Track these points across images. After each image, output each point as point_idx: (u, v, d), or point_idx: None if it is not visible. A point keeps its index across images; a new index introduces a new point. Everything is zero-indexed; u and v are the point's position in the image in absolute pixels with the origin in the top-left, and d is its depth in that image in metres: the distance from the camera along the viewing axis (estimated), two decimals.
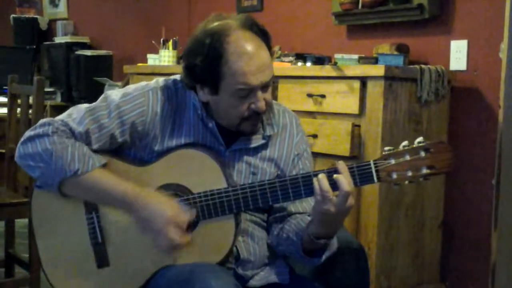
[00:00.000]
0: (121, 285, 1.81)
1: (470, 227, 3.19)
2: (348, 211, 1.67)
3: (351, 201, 1.65)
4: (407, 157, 1.65)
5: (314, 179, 1.67)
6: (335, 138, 3.00)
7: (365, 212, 2.94)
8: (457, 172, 3.18)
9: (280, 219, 1.89)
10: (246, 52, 1.71)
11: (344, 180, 1.64)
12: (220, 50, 1.71)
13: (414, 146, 1.66)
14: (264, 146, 1.88)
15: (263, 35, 1.78)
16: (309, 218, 1.78)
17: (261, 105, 1.76)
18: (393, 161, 1.66)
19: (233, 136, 1.85)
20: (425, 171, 1.66)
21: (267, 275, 1.88)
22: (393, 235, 2.99)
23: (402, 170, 1.66)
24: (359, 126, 2.95)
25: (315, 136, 3.08)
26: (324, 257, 1.78)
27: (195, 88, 1.82)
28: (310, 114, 3.16)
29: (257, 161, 1.87)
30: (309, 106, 3.14)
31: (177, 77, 1.89)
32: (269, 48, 1.79)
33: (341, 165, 1.67)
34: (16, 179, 3.27)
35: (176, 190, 1.79)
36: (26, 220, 3.08)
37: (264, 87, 1.76)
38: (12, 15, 6.42)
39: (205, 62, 1.73)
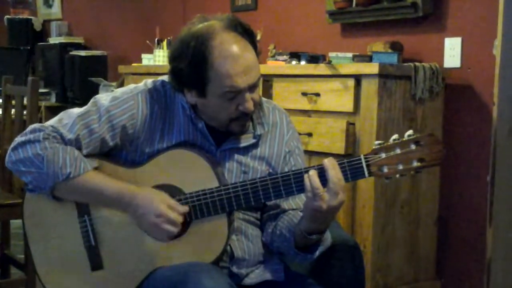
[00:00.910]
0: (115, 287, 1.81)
1: (466, 223, 3.19)
2: (339, 207, 1.67)
3: (342, 197, 1.65)
4: (398, 151, 1.65)
5: (305, 176, 1.66)
6: (330, 137, 3.00)
7: (360, 210, 2.94)
8: (452, 169, 3.19)
9: (273, 216, 1.89)
10: (231, 55, 1.71)
11: (334, 176, 1.64)
12: (205, 54, 1.71)
13: (404, 139, 1.65)
14: (254, 145, 1.88)
15: (248, 35, 1.77)
16: (301, 214, 1.78)
17: (249, 106, 1.76)
18: (383, 155, 1.65)
19: (223, 135, 1.85)
20: (416, 164, 1.65)
21: (261, 272, 1.88)
22: (389, 233, 2.99)
23: (392, 164, 1.65)
24: (353, 124, 2.95)
25: (310, 135, 3.08)
26: (317, 252, 1.78)
27: (183, 90, 1.82)
28: (305, 112, 3.16)
29: (248, 160, 1.87)
30: (304, 104, 3.15)
31: (165, 77, 1.89)
32: (255, 47, 1.78)
33: (330, 161, 1.66)
34: (11, 180, 3.26)
35: (168, 191, 1.78)
36: (21, 221, 3.08)
37: (251, 88, 1.76)
38: (6, 16, 6.41)
39: (191, 67, 1.73)
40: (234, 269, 1.84)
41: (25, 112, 3.09)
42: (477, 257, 3.06)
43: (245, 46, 1.74)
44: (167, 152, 1.81)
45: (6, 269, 3.36)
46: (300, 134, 3.08)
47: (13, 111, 3.29)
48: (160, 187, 1.79)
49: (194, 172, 1.78)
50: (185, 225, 1.78)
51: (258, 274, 1.87)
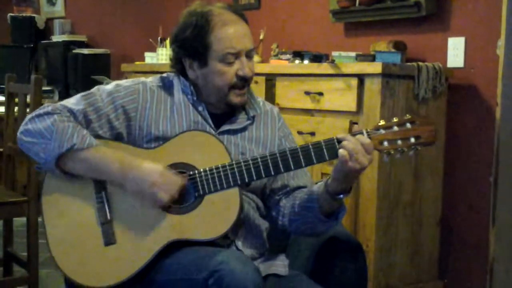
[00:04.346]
0: (127, 262, 1.81)
1: (468, 224, 3.19)
2: (368, 165, 1.78)
3: (371, 156, 1.77)
4: (396, 128, 1.80)
5: (345, 142, 1.75)
6: (332, 136, 2.99)
7: (363, 210, 2.94)
8: (455, 169, 3.19)
9: (284, 195, 1.97)
10: (229, 22, 1.90)
11: (366, 138, 1.76)
12: (205, 23, 1.89)
13: (401, 119, 1.82)
14: (250, 128, 2.00)
15: (243, 17, 1.96)
16: (319, 184, 1.89)
17: (247, 70, 1.91)
18: (383, 131, 1.80)
19: (220, 119, 1.96)
20: (413, 140, 1.80)
21: (267, 266, 1.91)
22: (392, 233, 2.99)
23: (392, 139, 1.80)
24: (356, 123, 2.95)
25: (312, 134, 3.08)
26: (340, 216, 1.88)
27: (184, 72, 1.96)
28: (308, 111, 3.16)
29: (244, 143, 1.97)
30: (307, 103, 3.15)
31: (164, 75, 2.04)
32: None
33: (340, 134, 1.81)
34: (15, 177, 3.27)
35: (183, 168, 1.86)
36: (24, 219, 3.08)
37: (248, 55, 1.92)
38: (10, 14, 6.41)
39: (194, 35, 1.90)
40: (240, 245, 1.89)
41: (28, 110, 3.09)
42: (480, 257, 3.05)
43: (241, 20, 1.94)
44: (180, 134, 1.89)
45: (9, 267, 3.36)
46: (302, 133, 3.10)
47: (16, 109, 3.29)
48: (176, 165, 1.86)
49: (207, 151, 1.86)
50: (198, 198, 1.83)
51: (263, 269, 1.88)
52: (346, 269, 1.95)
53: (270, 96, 3.29)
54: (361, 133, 1.79)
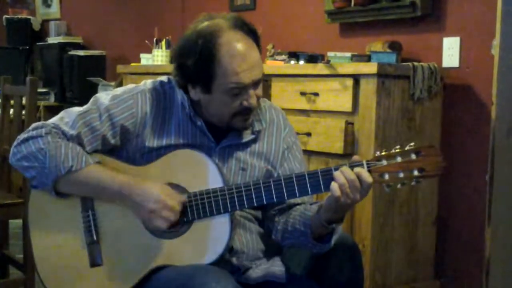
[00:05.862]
0: (112, 285, 1.80)
1: (464, 223, 3.19)
2: (361, 199, 1.72)
3: (363, 193, 1.69)
4: (399, 159, 1.69)
5: (337, 173, 1.68)
6: (328, 136, 3.00)
7: (359, 210, 2.94)
8: (451, 168, 3.19)
9: (280, 212, 1.92)
10: (238, 53, 1.76)
11: (365, 173, 1.67)
12: (212, 51, 1.76)
13: (406, 149, 1.70)
14: (253, 142, 1.92)
15: (253, 34, 1.83)
16: (313, 207, 1.83)
17: (253, 101, 1.82)
18: (385, 162, 1.69)
19: (222, 133, 1.89)
20: (416, 173, 1.69)
21: (263, 273, 1.89)
22: (388, 232, 2.99)
23: (394, 171, 1.69)
24: (352, 123, 2.95)
25: (308, 135, 3.08)
26: (333, 240, 1.81)
27: (186, 86, 1.86)
28: (304, 112, 3.16)
29: (246, 157, 1.90)
30: (302, 104, 3.15)
31: (164, 78, 1.94)
32: (258, 45, 1.85)
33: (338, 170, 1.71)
34: (10, 179, 3.26)
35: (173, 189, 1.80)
36: (20, 221, 3.08)
37: (255, 84, 1.82)
38: (5, 16, 6.40)
39: (198, 64, 1.77)
40: (234, 261, 1.85)
41: (23, 112, 3.09)
42: (476, 256, 3.06)
43: (251, 45, 1.81)
44: (172, 152, 1.83)
45: (5, 269, 3.35)
46: (298, 133, 3.10)
47: (11, 111, 3.29)
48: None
49: (199, 172, 1.80)
50: (187, 224, 1.78)
51: (259, 274, 1.88)
52: (342, 268, 1.95)
53: (266, 97, 3.28)
54: (361, 164, 1.69)
